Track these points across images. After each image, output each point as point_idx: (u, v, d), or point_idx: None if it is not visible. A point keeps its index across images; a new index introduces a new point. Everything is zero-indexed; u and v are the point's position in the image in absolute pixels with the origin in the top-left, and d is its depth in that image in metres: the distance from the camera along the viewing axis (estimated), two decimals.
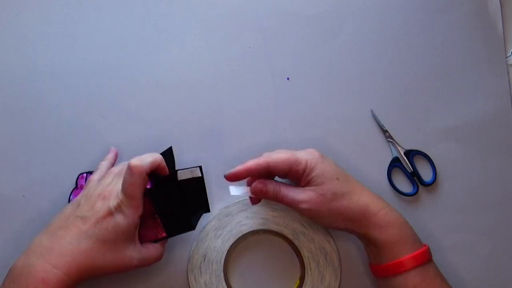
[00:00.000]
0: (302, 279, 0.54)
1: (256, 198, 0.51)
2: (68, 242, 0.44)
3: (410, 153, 0.56)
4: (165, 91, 0.57)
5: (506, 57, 0.58)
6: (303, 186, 0.49)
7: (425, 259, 0.47)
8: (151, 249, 0.48)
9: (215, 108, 0.57)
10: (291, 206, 0.48)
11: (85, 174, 0.55)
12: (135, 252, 0.46)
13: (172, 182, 0.48)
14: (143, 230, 0.49)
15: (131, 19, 0.58)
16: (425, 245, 0.49)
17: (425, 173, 0.56)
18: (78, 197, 0.49)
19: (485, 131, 0.57)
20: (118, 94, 0.57)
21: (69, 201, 0.55)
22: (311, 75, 0.58)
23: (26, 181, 0.56)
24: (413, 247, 0.47)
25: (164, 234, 0.49)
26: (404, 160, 0.56)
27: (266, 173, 0.49)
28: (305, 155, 0.49)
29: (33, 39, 0.58)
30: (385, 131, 0.56)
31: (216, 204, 0.55)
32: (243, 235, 0.54)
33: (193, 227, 0.49)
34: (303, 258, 0.54)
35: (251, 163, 0.48)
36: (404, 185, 0.57)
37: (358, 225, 0.48)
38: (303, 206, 0.47)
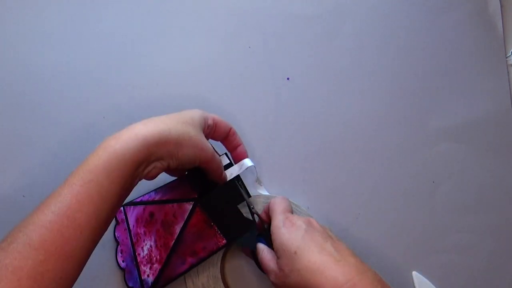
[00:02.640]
0: None
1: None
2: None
3: None
4: (165, 91, 0.57)
5: (506, 57, 0.58)
6: None
7: None
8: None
9: (215, 108, 0.57)
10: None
11: (121, 208, 0.53)
12: (210, 145, 0.47)
13: (215, 184, 0.49)
14: (202, 242, 0.49)
15: (131, 19, 0.58)
16: None
17: None
18: None
19: (485, 131, 0.57)
20: (118, 94, 0.57)
21: (114, 237, 0.53)
22: (311, 75, 0.58)
23: (26, 181, 0.56)
24: None
25: (224, 241, 0.49)
26: None
27: None
28: (276, 216, 0.48)
29: (33, 39, 0.58)
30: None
31: None
32: None
33: (251, 223, 0.48)
34: None
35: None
36: None
37: None
38: (270, 278, 0.46)
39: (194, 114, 0.47)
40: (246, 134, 0.57)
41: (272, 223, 0.47)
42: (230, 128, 0.51)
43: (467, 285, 0.55)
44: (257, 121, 0.57)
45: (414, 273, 0.55)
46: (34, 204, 0.55)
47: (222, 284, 0.53)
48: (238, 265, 0.55)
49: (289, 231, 0.45)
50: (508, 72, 0.58)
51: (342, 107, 0.58)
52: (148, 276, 0.49)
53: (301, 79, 0.58)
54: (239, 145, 0.53)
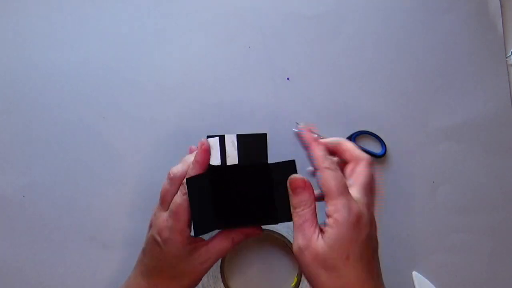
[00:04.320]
0: (299, 276, 0.54)
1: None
2: (133, 280, 0.45)
3: (350, 140, 0.54)
4: (165, 91, 0.57)
5: (506, 57, 0.58)
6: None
7: None
8: (215, 245, 0.44)
9: (215, 108, 0.57)
10: (295, 230, 0.41)
11: None
12: (198, 260, 0.43)
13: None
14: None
15: (131, 19, 0.58)
16: None
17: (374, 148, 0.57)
18: None
19: (485, 131, 0.57)
20: (118, 94, 0.57)
21: None
22: (311, 75, 0.58)
23: (26, 181, 0.56)
24: None
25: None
26: None
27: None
28: (344, 202, 0.39)
29: (33, 39, 0.58)
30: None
31: None
32: None
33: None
34: None
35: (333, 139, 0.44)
36: None
37: None
38: (294, 246, 0.40)
39: (162, 257, 0.44)
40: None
41: (331, 198, 0.39)
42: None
43: (467, 285, 0.55)
44: (257, 121, 0.57)
45: (414, 273, 0.55)
46: (34, 204, 0.55)
47: (222, 284, 0.53)
48: (238, 265, 0.55)
49: (347, 222, 0.38)
50: (508, 72, 0.58)
51: (342, 107, 0.57)
52: None
53: (301, 79, 0.58)
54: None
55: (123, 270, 0.54)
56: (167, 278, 0.44)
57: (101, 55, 0.58)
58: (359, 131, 0.57)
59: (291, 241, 0.54)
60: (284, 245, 0.55)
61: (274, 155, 0.57)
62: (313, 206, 0.41)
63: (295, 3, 0.59)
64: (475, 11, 0.58)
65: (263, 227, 0.54)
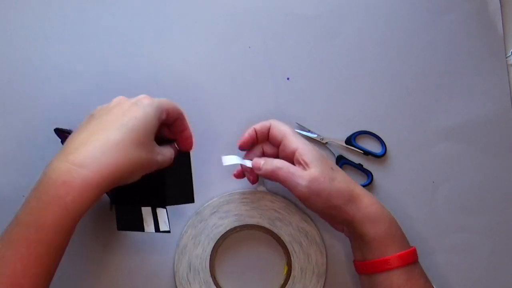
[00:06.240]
0: (289, 264, 0.54)
1: (241, 173, 0.53)
2: (100, 137, 0.39)
3: (350, 140, 0.57)
4: (165, 91, 0.57)
5: (506, 57, 0.58)
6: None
7: (412, 259, 0.47)
8: (168, 149, 0.47)
9: (215, 109, 0.57)
10: (288, 182, 0.47)
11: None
12: (157, 147, 0.44)
13: None
14: None
15: (131, 19, 0.58)
16: (413, 247, 0.48)
17: (373, 148, 0.57)
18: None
19: (485, 131, 0.57)
20: (118, 94, 0.57)
21: None
22: (311, 75, 0.58)
23: (26, 181, 0.55)
24: (400, 246, 0.47)
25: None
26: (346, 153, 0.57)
27: (265, 139, 0.52)
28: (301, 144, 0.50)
29: (33, 39, 0.58)
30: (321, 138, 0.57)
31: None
32: (221, 236, 0.54)
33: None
34: (285, 243, 0.54)
35: (256, 125, 0.52)
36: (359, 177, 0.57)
37: (348, 211, 0.47)
38: (302, 182, 0.47)
39: (149, 121, 0.42)
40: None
41: (293, 141, 0.49)
42: (181, 114, 0.48)
43: (467, 285, 0.55)
44: (257, 121, 0.57)
45: None
46: None
47: (213, 284, 0.53)
48: (228, 266, 0.55)
49: (315, 151, 0.49)
50: (508, 72, 0.58)
51: (341, 107, 0.58)
52: None
53: (301, 79, 0.58)
54: (186, 128, 0.50)
55: (123, 270, 0.54)
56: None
57: (101, 55, 0.58)
58: (359, 131, 0.57)
59: (274, 230, 0.54)
60: (269, 238, 0.55)
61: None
62: (285, 162, 0.49)
63: (295, 3, 0.59)
64: (475, 11, 0.58)
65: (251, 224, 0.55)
